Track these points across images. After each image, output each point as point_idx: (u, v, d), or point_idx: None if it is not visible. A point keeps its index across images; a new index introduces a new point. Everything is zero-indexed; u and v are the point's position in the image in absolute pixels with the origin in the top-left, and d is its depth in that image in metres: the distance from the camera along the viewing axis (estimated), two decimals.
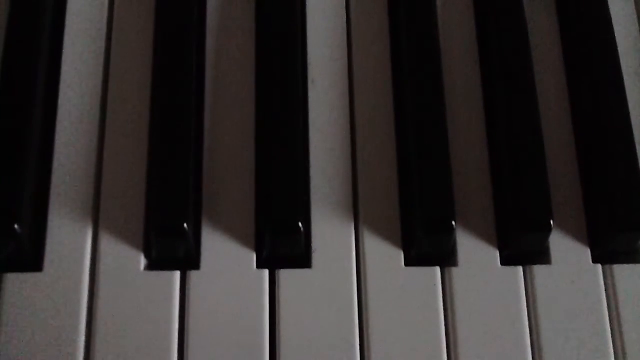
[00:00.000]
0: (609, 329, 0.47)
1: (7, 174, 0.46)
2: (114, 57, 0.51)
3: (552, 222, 0.46)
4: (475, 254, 0.48)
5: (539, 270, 0.48)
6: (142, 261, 0.47)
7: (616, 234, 0.47)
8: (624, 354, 0.47)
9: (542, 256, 0.49)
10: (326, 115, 0.50)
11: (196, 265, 0.47)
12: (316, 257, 0.47)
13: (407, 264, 0.48)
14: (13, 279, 0.46)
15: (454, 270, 0.48)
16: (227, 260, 0.47)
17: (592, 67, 0.51)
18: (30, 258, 0.46)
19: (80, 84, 0.50)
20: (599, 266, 0.48)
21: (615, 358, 0.47)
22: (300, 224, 0.46)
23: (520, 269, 0.48)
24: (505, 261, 0.48)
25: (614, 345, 0.47)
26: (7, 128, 0.47)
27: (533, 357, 0.47)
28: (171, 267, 0.47)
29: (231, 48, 0.52)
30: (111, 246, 0.47)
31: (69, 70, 0.50)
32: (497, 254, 0.48)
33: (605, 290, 0.48)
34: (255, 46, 0.52)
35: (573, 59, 0.53)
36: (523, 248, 0.48)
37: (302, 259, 0.48)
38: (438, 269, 0.48)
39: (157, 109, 0.49)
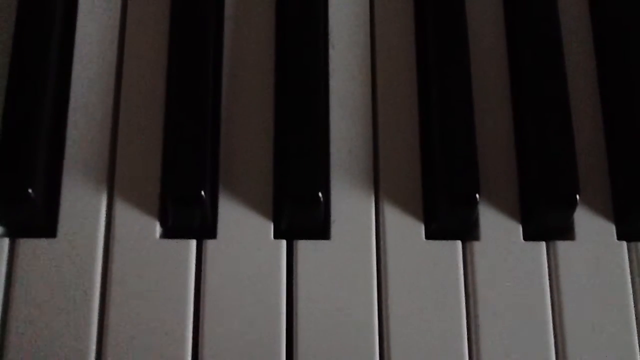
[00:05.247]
0: (633, 307, 0.46)
1: (20, 138, 0.45)
2: (130, 15, 0.50)
3: (577, 197, 0.46)
4: (498, 228, 0.47)
5: (562, 246, 0.47)
6: (158, 229, 0.46)
7: None
8: None
9: (566, 232, 0.48)
10: (347, 82, 0.49)
11: (212, 234, 0.46)
12: (335, 229, 0.47)
13: (427, 237, 0.47)
14: (26, 245, 0.45)
15: (476, 244, 0.47)
16: (244, 229, 0.46)
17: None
18: (43, 223, 0.46)
19: (95, 44, 0.49)
20: (624, 243, 0.48)
21: (639, 336, 0.46)
22: (320, 195, 0.45)
23: (543, 244, 0.47)
24: (528, 236, 0.47)
25: (637, 323, 0.46)
26: (20, 91, 0.46)
27: (555, 334, 0.46)
28: (187, 236, 0.46)
29: (251, 12, 0.51)
30: (126, 213, 0.46)
31: (83, 30, 0.49)
32: (520, 228, 0.47)
33: (630, 267, 0.47)
34: (275, 10, 0.51)
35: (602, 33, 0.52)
36: (547, 223, 0.47)
37: (321, 230, 0.47)
38: (459, 242, 0.47)
39: (173, 73, 0.48)
